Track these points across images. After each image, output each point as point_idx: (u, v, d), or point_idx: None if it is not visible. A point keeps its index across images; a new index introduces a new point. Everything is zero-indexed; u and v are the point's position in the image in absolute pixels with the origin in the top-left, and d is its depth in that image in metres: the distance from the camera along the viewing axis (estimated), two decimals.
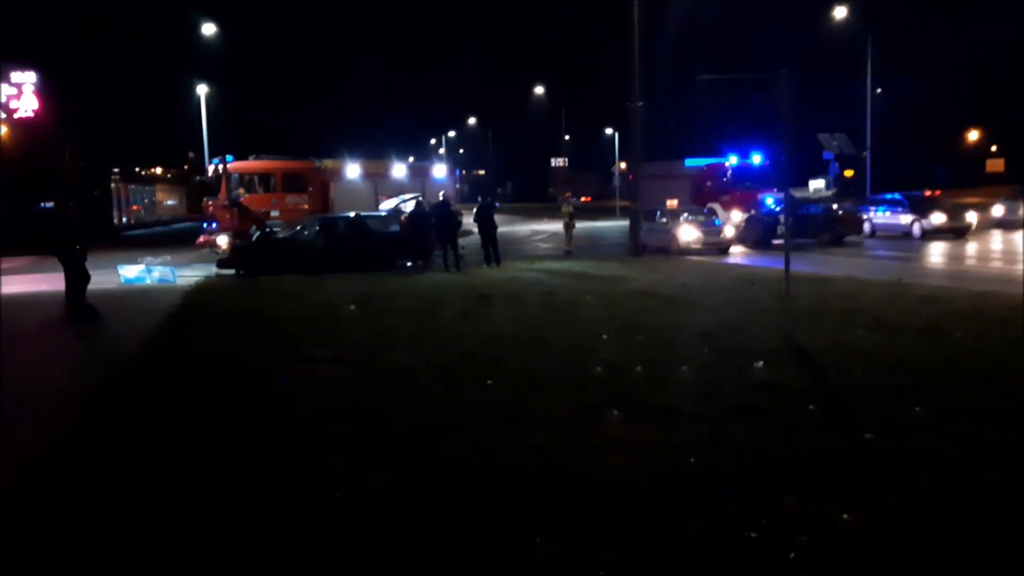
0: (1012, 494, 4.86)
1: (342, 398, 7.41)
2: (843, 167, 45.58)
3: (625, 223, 28.61)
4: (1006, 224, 29.52)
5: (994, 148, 72.02)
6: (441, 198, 21.26)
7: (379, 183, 28.08)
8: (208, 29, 41.08)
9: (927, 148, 73.33)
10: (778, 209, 25.74)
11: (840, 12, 42.20)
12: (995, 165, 52.56)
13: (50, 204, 18.80)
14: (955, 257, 21.59)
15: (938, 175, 61.07)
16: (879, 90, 49.15)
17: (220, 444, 6.18)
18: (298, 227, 21.83)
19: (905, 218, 28.27)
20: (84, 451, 6.22)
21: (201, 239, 26.83)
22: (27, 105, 32.11)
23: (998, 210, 30.50)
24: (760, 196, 30.98)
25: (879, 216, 29.42)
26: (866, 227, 29.10)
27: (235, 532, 4.64)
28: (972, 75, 72.83)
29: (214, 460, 5.83)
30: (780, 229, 24.32)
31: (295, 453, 5.93)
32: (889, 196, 30.40)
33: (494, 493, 5.04)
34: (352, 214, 22.05)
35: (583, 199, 32.59)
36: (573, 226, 26.81)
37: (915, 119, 72.14)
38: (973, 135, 78.12)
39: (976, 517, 4.55)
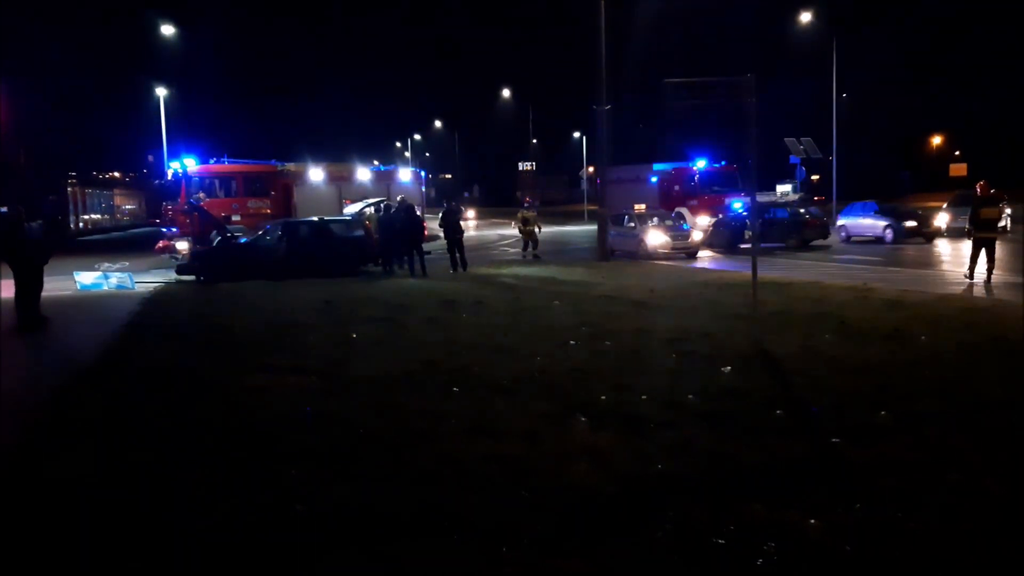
0: (975, 498, 4.88)
1: (304, 408, 7.24)
2: (810, 171, 46.04)
3: (593, 227, 28.59)
4: (952, 232, 28.64)
5: (957, 152, 73.33)
6: (400, 202, 21.01)
7: (343, 187, 27.76)
8: (168, 31, 40.61)
9: (892, 153, 74.64)
10: (745, 213, 25.82)
11: (806, 17, 42.70)
12: (958, 170, 53.37)
13: (3, 209, 18.35)
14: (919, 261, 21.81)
15: (903, 179, 61.99)
16: (844, 95, 49.82)
17: (176, 456, 6.03)
18: (260, 232, 21.50)
19: None
20: (30, 466, 6.02)
21: (160, 244, 26.37)
22: None
23: (943, 219, 28.73)
24: (727, 200, 31.09)
25: None
26: None
27: (191, 544, 4.55)
28: (936, 80, 74.31)
29: (169, 472, 5.69)
30: (747, 233, 24.44)
31: (254, 464, 5.81)
32: None
33: (459, 503, 4.97)
34: (315, 218, 21.77)
35: (527, 199, 32.79)
36: (536, 231, 26.28)
37: (880, 124, 73.41)
38: (937, 140, 79.56)
39: (941, 521, 4.58)
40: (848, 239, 29.07)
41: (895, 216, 28.20)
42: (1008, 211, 28.70)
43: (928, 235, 27.43)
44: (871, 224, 28.66)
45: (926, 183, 59.88)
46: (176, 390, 8.10)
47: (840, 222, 30.36)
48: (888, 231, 27.80)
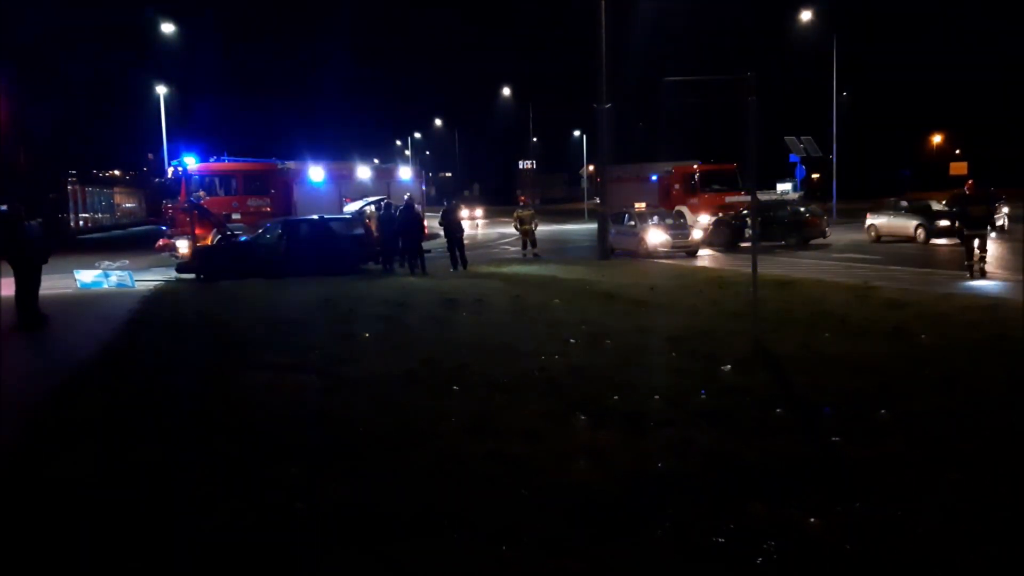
0: (975, 496, 4.87)
1: (304, 406, 7.26)
2: (810, 170, 45.99)
3: (593, 226, 28.60)
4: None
5: (958, 151, 73.32)
6: (407, 200, 21.00)
7: (343, 185, 27.75)
8: (168, 29, 40.61)
9: (892, 151, 74.68)
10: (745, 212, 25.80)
11: (807, 15, 42.70)
12: (959, 168, 53.39)
13: (3, 208, 18.35)
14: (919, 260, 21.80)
15: (903, 178, 61.96)
16: (844, 93, 49.80)
17: (177, 454, 6.03)
18: (260, 230, 21.49)
19: None
20: (30, 465, 6.01)
21: (160, 242, 26.36)
22: None
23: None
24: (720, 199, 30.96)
25: None
26: None
27: (191, 544, 4.55)
28: (937, 79, 74.32)
29: (170, 471, 5.69)
30: (747, 232, 24.42)
31: (255, 464, 5.80)
32: None
33: (460, 502, 4.96)
34: (315, 217, 21.76)
35: (522, 198, 33.13)
36: (532, 229, 26.22)
37: (881, 122, 73.40)
38: (937, 138, 79.55)
39: (941, 519, 4.57)
40: (878, 239, 27.55)
41: (927, 215, 26.47)
42: (1006, 210, 28.61)
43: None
44: (902, 223, 27.18)
45: (927, 181, 59.85)
46: (176, 389, 8.10)
47: (869, 221, 28.77)
48: (920, 230, 26.27)
